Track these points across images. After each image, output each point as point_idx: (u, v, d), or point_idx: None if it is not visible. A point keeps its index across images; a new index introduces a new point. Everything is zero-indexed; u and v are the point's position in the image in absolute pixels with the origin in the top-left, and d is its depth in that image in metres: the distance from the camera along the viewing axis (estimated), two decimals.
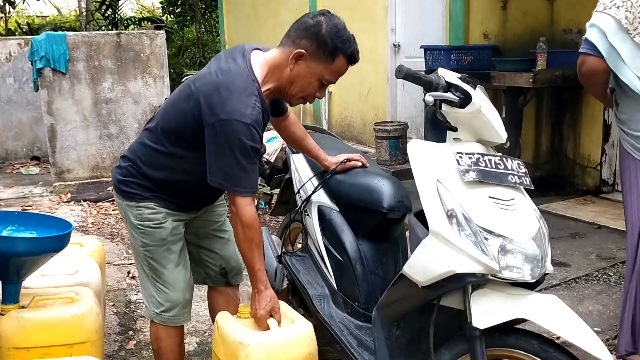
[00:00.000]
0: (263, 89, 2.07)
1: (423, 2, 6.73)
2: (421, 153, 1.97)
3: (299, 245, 3.21)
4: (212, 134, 1.99)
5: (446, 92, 1.92)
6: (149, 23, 13.86)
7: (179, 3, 13.49)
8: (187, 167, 2.18)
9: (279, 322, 2.10)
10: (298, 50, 2.03)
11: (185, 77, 5.20)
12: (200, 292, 3.35)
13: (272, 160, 6.20)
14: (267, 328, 2.08)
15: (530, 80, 4.62)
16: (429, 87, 1.94)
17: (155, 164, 2.21)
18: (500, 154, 1.99)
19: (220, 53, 2.27)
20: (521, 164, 1.98)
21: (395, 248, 2.50)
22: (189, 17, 13.63)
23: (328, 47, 2.02)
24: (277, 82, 2.10)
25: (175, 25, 13.90)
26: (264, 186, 5.16)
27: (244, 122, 1.95)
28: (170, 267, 2.27)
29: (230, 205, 2.10)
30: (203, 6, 13.22)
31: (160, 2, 15.12)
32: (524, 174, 1.95)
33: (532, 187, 1.94)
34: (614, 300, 3.32)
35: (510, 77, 4.79)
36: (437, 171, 1.91)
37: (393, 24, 7.18)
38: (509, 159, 1.97)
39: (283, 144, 6.50)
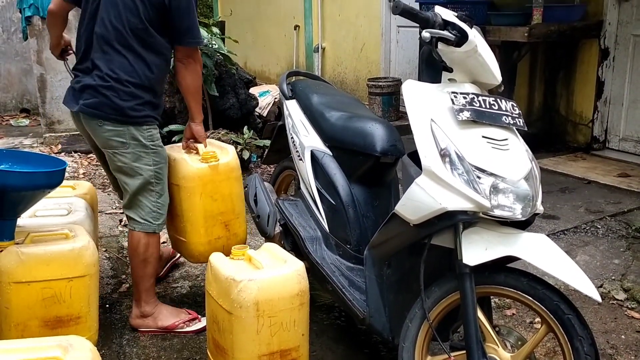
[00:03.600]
0: None
1: None
2: (416, 93, 1.97)
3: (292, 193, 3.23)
4: None
5: (443, 29, 1.90)
6: None
7: None
8: (158, 62, 2.53)
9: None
10: None
11: None
12: None
13: (265, 115, 6.17)
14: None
15: (525, 34, 4.59)
16: (425, 24, 1.92)
17: (139, 74, 2.47)
18: (496, 96, 1.98)
19: None
20: (515, 105, 1.99)
21: (388, 192, 2.51)
22: None
23: None
24: None
25: None
26: (256, 139, 5.14)
27: None
28: (167, 180, 2.65)
29: (186, 58, 2.56)
30: None
31: None
32: (517, 115, 1.96)
33: (526, 129, 1.95)
34: (601, 251, 3.37)
35: (506, 31, 4.75)
36: (431, 111, 1.91)
37: None
38: (503, 100, 1.96)
39: (275, 98, 6.47)
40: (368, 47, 7.45)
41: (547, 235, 1.89)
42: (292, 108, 2.81)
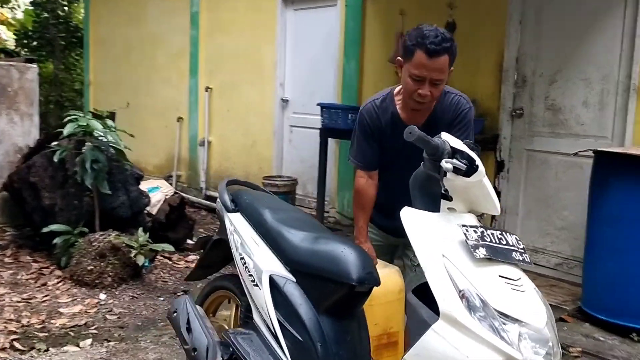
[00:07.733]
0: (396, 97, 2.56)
1: (314, 60, 6.70)
2: (420, 224, 1.79)
3: (221, 313, 2.86)
4: None
5: (451, 157, 1.76)
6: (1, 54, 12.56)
7: (35, 37, 12.40)
8: None
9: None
10: (397, 59, 2.46)
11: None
12: None
13: (155, 213, 5.67)
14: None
15: None
16: (434, 151, 1.77)
17: None
18: (500, 229, 1.86)
19: None
20: (518, 239, 1.87)
21: (357, 325, 2.24)
22: (44, 53, 12.54)
23: (407, 47, 2.32)
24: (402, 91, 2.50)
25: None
26: (150, 242, 4.66)
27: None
28: None
29: None
30: (62, 43, 12.29)
31: (15, 34, 13.81)
32: (523, 250, 1.83)
33: (532, 265, 1.83)
34: None
35: None
36: (441, 245, 1.73)
37: (282, 78, 7.07)
38: (507, 234, 1.84)
39: (166, 195, 6.03)
40: (259, 143, 7.31)
41: None
42: (239, 223, 2.50)
